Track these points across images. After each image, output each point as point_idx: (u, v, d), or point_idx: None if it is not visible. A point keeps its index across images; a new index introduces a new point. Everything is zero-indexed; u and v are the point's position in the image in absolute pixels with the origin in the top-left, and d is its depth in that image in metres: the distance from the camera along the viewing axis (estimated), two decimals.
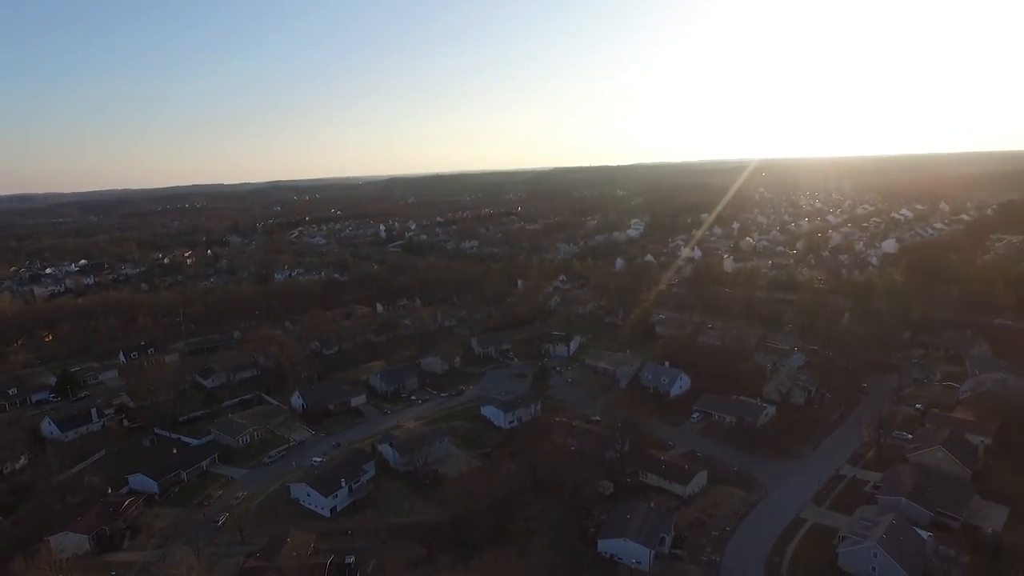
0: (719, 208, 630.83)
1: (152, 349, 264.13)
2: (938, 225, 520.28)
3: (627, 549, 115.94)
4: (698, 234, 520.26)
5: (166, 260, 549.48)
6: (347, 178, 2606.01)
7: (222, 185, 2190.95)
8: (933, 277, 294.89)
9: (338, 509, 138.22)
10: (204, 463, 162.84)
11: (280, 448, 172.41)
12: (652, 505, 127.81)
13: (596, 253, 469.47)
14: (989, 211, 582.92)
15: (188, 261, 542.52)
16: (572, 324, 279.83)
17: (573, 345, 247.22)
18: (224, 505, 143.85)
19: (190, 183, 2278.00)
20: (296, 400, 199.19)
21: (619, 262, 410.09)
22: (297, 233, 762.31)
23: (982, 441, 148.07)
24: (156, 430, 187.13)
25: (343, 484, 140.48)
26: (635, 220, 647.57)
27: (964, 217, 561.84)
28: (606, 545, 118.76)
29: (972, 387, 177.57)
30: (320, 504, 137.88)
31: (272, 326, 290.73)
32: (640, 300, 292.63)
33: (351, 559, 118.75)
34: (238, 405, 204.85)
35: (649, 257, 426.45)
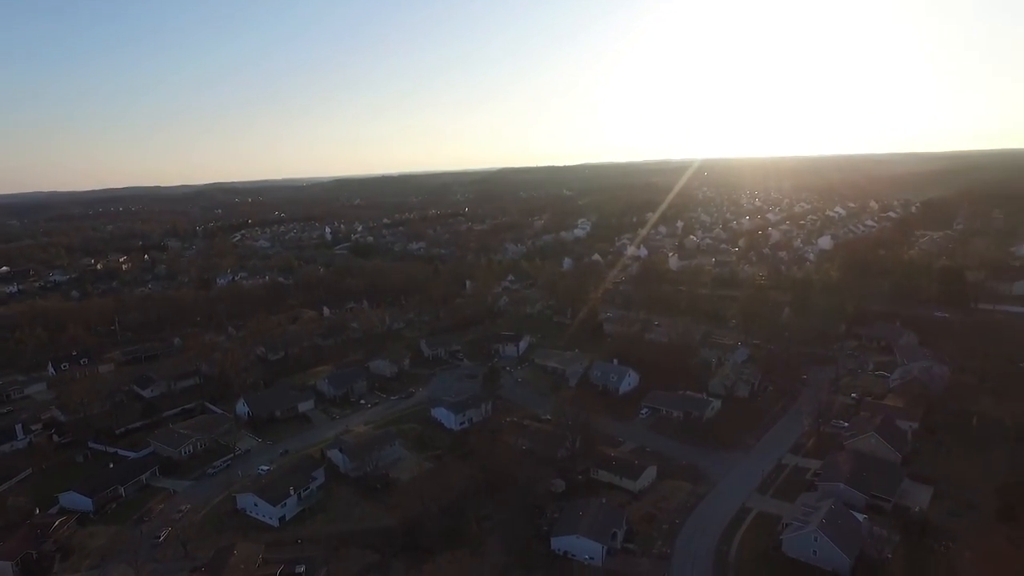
0: (663, 207, 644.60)
1: (85, 359, 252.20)
2: (869, 222, 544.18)
3: (580, 545, 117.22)
4: (643, 232, 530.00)
5: (99, 266, 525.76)
6: (290, 179, 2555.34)
7: (158, 187, 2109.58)
8: (865, 272, 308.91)
9: (287, 518, 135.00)
10: (144, 476, 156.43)
11: (225, 458, 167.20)
12: (603, 501, 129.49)
13: (544, 253, 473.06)
14: (913, 208, 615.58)
15: (123, 267, 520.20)
16: (521, 324, 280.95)
17: (523, 345, 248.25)
18: (166, 519, 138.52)
19: (123, 185, 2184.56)
20: (241, 408, 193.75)
21: (567, 261, 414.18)
22: (240, 236, 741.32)
23: (910, 426, 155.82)
24: (90, 444, 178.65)
25: (292, 492, 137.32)
26: (582, 220, 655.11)
27: (891, 214, 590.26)
28: (559, 542, 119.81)
29: (901, 375, 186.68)
30: (268, 514, 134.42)
31: (215, 332, 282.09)
32: (588, 299, 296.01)
33: (301, 569, 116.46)
34: (179, 415, 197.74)
35: (596, 256, 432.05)
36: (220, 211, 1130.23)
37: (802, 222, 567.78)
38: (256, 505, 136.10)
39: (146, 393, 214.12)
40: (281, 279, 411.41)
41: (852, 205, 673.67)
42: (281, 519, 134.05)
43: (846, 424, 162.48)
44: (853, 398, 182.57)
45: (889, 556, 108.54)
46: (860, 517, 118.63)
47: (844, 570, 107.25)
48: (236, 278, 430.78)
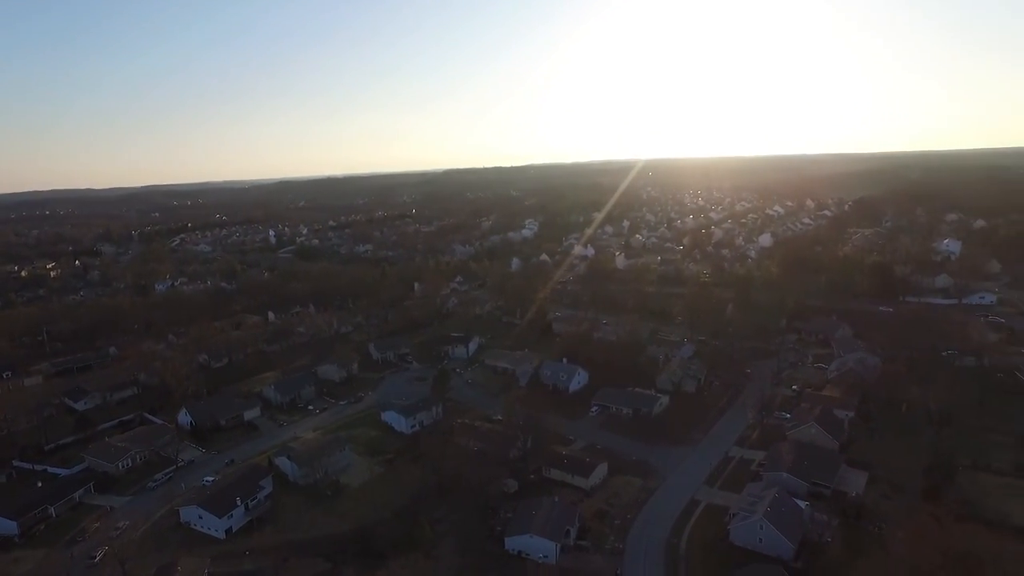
0: (609, 206, 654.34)
1: (8, 372, 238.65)
2: (806, 220, 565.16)
3: (534, 544, 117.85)
4: (589, 232, 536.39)
5: (24, 273, 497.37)
6: (232, 181, 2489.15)
7: (90, 190, 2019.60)
8: (803, 268, 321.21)
9: (234, 529, 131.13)
10: (77, 494, 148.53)
11: (167, 470, 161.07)
12: (556, 499, 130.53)
13: (492, 254, 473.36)
14: (846, 207, 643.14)
15: (52, 274, 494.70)
16: (470, 325, 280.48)
17: (472, 346, 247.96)
18: (102, 539, 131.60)
19: (50, 188, 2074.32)
20: (183, 417, 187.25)
21: (515, 262, 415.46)
22: (179, 241, 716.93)
23: (847, 415, 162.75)
24: (15, 463, 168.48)
25: (238, 502, 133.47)
26: (529, 220, 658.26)
27: (827, 212, 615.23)
28: (513, 542, 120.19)
29: (838, 367, 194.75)
30: (214, 526, 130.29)
31: (154, 340, 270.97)
32: (536, 299, 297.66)
33: None
34: (116, 427, 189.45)
35: (544, 256, 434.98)
36: (158, 214, 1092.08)
37: (743, 220, 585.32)
38: (201, 518, 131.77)
39: (79, 406, 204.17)
40: (224, 284, 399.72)
41: (790, 204, 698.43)
42: (228, 531, 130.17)
43: (788, 415, 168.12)
44: (794, 390, 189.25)
45: (829, 540, 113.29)
46: (802, 504, 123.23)
47: (788, 555, 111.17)
48: (176, 284, 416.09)
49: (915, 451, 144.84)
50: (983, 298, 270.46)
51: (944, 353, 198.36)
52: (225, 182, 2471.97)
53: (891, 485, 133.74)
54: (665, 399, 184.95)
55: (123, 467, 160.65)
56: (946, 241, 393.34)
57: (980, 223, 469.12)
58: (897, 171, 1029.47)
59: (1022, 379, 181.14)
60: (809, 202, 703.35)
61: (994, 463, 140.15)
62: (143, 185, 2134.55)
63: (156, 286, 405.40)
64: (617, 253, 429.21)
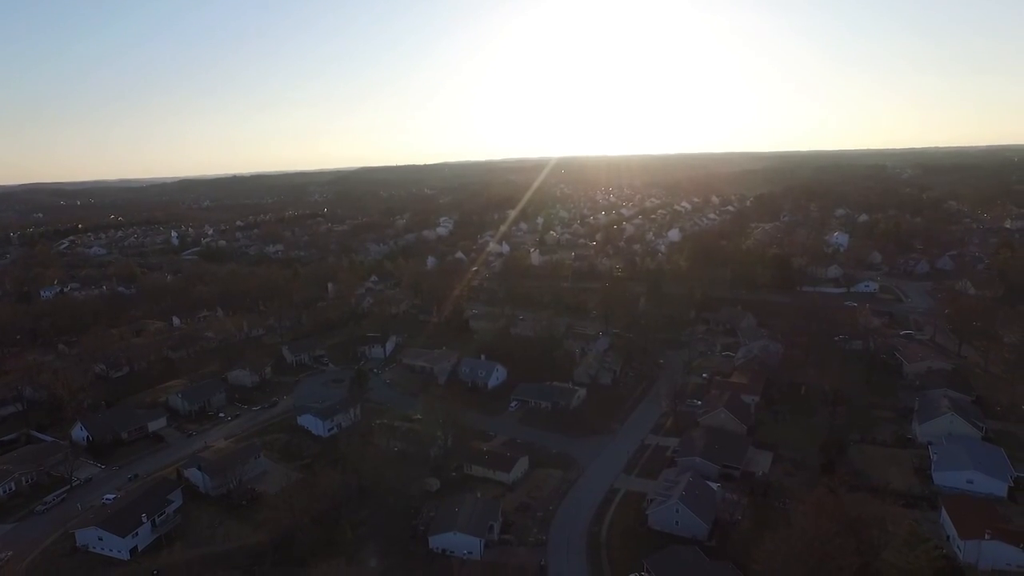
0: (523, 204, 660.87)
1: None
2: (711, 215, 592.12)
3: (458, 542, 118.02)
4: (504, 229, 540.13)
5: None
6: (126, 180, 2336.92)
7: None
8: (710, 261, 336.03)
9: (140, 549, 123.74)
10: None
11: (59, 491, 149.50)
12: (479, 495, 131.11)
13: (407, 252, 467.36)
14: (748, 203, 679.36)
15: None
16: (387, 324, 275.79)
17: (389, 346, 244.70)
18: None
19: None
20: (79, 432, 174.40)
21: (430, 260, 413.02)
22: (68, 243, 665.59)
23: (753, 399, 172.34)
24: None
25: (144, 519, 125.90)
26: (444, 218, 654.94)
27: (730, 208, 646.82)
28: (437, 541, 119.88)
29: (744, 354, 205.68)
30: (116, 547, 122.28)
31: (41, 351, 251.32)
32: (453, 296, 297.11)
33: None
34: None
35: (459, 254, 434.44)
36: (41, 215, 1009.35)
37: (653, 216, 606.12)
38: (101, 539, 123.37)
39: None
40: (122, 289, 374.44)
41: (696, 200, 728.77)
42: (132, 551, 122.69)
43: (699, 402, 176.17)
44: (704, 378, 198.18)
45: (739, 518, 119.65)
46: (714, 486, 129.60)
47: (702, 535, 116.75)
48: (65, 289, 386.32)
49: (813, 430, 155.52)
50: (867, 286, 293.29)
51: (836, 338, 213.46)
52: (120, 181, 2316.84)
53: (793, 463, 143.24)
54: (582, 392, 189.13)
55: (5, 492, 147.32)
56: (836, 234, 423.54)
57: (864, 218, 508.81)
58: (791, 169, 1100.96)
59: (900, 359, 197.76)
60: (714, 198, 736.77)
61: (878, 436, 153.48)
62: (23, 183, 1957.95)
63: (41, 292, 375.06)
64: (532, 250, 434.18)
